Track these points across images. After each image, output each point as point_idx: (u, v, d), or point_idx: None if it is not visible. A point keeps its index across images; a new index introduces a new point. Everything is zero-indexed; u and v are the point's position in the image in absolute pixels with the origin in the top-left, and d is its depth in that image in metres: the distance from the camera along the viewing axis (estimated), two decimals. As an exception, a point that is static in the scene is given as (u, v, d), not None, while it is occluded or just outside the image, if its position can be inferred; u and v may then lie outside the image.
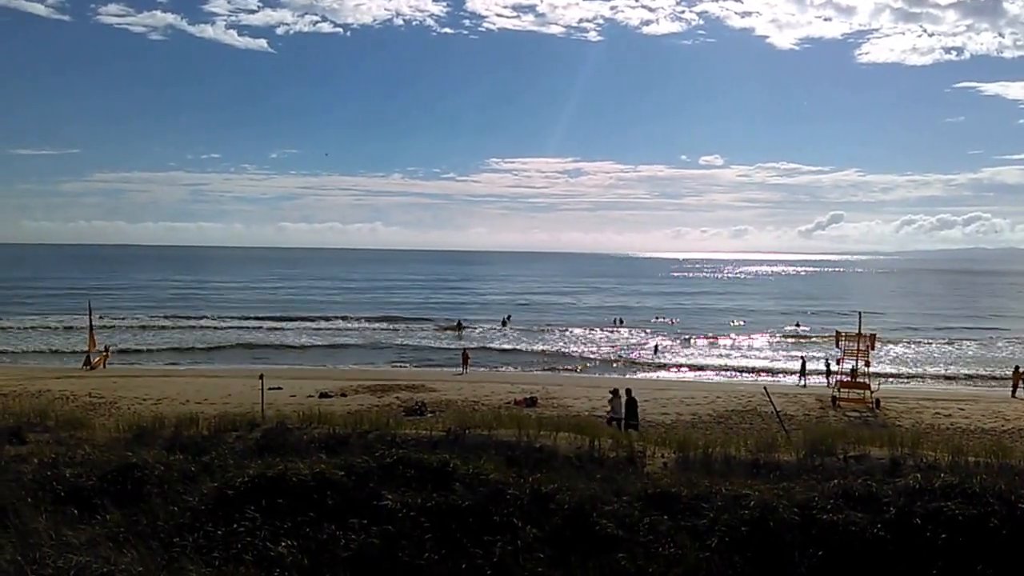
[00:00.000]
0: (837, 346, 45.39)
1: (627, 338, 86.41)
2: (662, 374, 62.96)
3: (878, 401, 41.43)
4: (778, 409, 38.65)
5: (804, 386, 52.01)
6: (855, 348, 43.64)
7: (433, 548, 10.55)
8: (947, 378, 60.47)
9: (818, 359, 57.62)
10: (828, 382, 52.36)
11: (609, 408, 31.36)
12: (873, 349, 44.73)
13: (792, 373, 54.76)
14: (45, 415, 19.22)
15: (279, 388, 42.12)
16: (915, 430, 29.98)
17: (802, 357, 59.42)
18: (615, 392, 32.28)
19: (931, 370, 64.34)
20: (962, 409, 41.28)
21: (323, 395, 41.69)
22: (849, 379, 43.80)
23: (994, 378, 58.90)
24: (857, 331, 43.81)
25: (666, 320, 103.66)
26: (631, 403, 30.35)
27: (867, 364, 43.72)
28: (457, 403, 40.13)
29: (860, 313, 43.46)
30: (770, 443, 16.84)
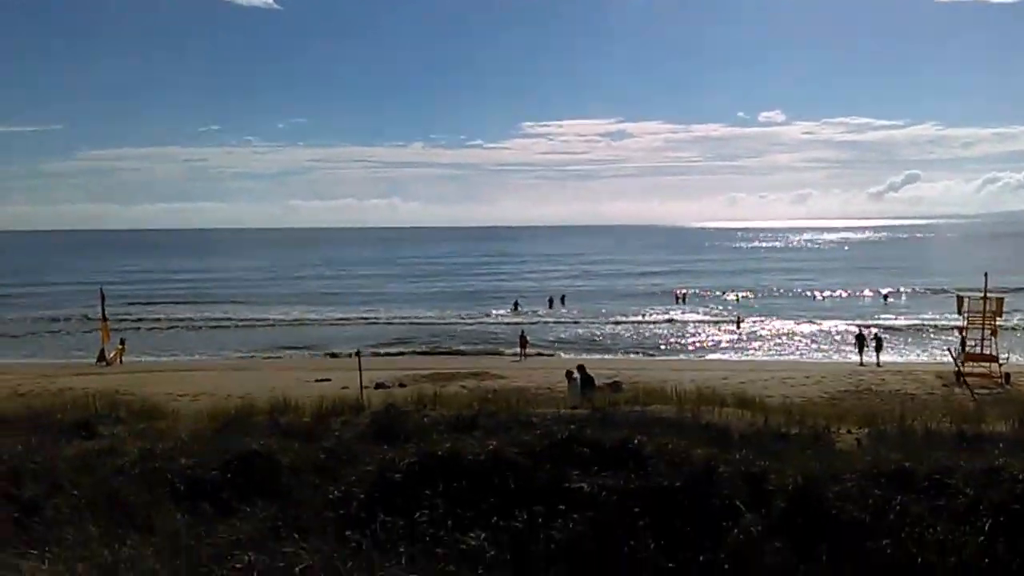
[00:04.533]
0: (959, 312, 44.35)
1: (695, 317, 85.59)
2: (746, 355, 62.37)
3: (1007, 376, 40.48)
4: (897, 388, 38.13)
5: (864, 364, 51.10)
6: (980, 314, 42.58)
7: (650, 536, 9.78)
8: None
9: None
10: (861, 359, 51.91)
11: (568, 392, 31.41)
12: (1000, 316, 43.54)
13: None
14: (115, 406, 18.71)
15: (328, 380, 41.64)
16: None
17: (859, 330, 58.61)
18: (569, 374, 33.34)
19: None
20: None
21: (379, 385, 41.03)
22: (975, 351, 42.71)
23: None
24: (982, 295, 42.61)
25: (737, 296, 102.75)
26: (587, 380, 31.11)
27: (993, 333, 42.49)
28: (530, 390, 39.42)
29: (986, 274, 42.00)
30: (967, 415, 16.06)
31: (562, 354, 62.57)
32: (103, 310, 60.82)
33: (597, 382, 40.63)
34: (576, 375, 32.08)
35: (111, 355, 57.20)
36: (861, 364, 51.01)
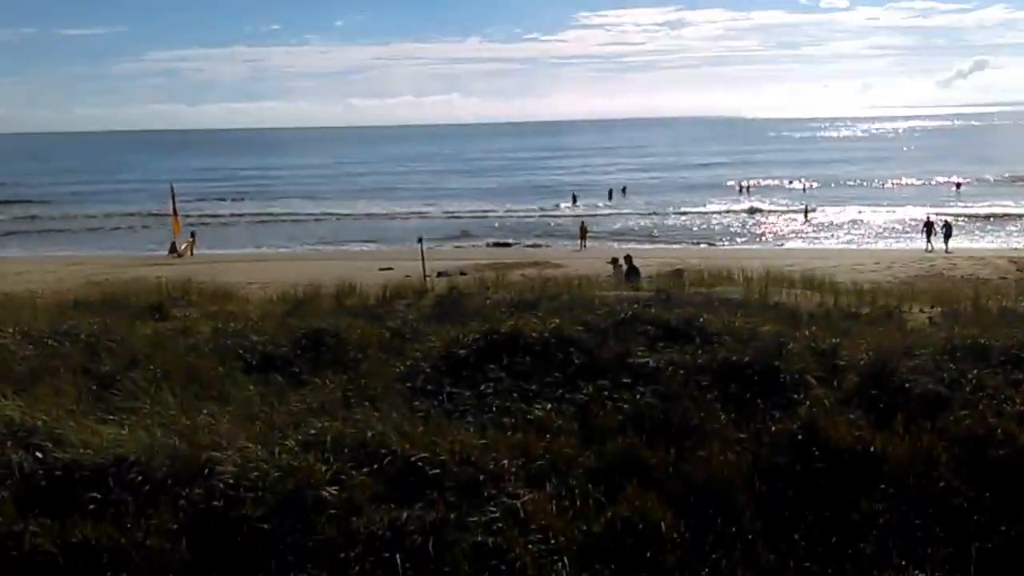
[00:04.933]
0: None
1: (760, 207, 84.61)
2: (813, 243, 61.90)
3: None
4: (969, 273, 37.69)
5: (931, 250, 50.45)
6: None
7: (719, 408, 9.75)
8: None
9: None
10: (929, 245, 51.44)
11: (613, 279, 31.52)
12: None
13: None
14: (187, 290, 19.16)
15: (390, 268, 41.86)
16: None
17: (927, 217, 57.67)
18: (615, 261, 33.96)
19: None
20: None
21: (440, 274, 41.07)
22: None
23: None
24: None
25: (803, 186, 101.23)
26: (633, 270, 30.88)
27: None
28: (591, 278, 39.39)
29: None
30: None
31: (615, 244, 62.19)
32: (174, 204, 61.57)
33: (657, 270, 40.78)
34: (622, 263, 32.08)
35: (182, 247, 58.33)
36: (929, 251, 50.51)
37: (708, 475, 8.51)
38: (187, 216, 76.05)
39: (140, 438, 8.03)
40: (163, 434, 8.11)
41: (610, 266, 33.57)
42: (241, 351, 11.99)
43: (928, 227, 53.82)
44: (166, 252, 57.53)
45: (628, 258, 32.46)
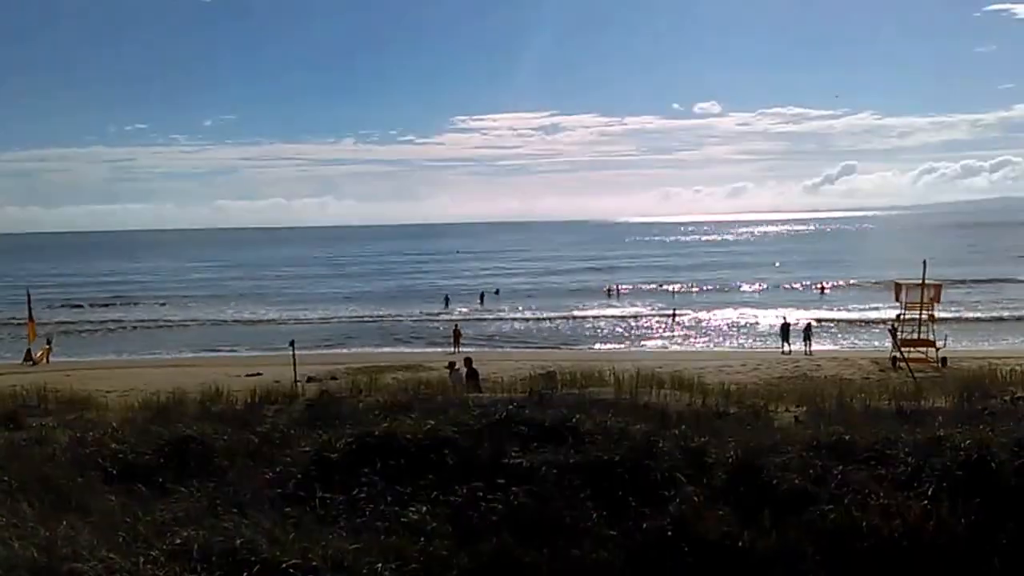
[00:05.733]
0: (897, 299, 45.14)
1: (631, 311, 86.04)
2: (681, 345, 63.00)
3: (944, 360, 41.06)
4: (832, 374, 38.68)
5: (788, 353, 51.86)
6: (917, 301, 43.40)
7: (591, 507, 9.88)
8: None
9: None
10: (787, 348, 52.91)
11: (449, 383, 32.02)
12: (939, 302, 44.43)
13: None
14: (43, 398, 18.66)
15: (259, 374, 41.30)
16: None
17: (784, 319, 59.07)
18: (451, 365, 34.88)
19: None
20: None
21: (310, 379, 40.71)
22: (910, 336, 43.48)
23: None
24: (921, 281, 43.36)
25: (672, 290, 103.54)
26: (472, 373, 31.23)
27: (931, 319, 43.37)
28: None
29: (925, 261, 42.88)
30: (905, 393, 16.53)
31: (487, 348, 62.58)
32: (29, 310, 60.81)
33: (530, 372, 40.99)
34: (459, 367, 32.62)
35: (38, 355, 56.75)
36: (787, 353, 51.58)
37: (581, 572, 8.59)
38: (44, 323, 74.16)
39: (-5, 552, 7.78)
40: (21, 546, 7.88)
41: (447, 370, 33.80)
42: (101, 460, 11.77)
43: (784, 329, 55.09)
44: (21, 360, 55.66)
45: (468, 361, 32.73)
